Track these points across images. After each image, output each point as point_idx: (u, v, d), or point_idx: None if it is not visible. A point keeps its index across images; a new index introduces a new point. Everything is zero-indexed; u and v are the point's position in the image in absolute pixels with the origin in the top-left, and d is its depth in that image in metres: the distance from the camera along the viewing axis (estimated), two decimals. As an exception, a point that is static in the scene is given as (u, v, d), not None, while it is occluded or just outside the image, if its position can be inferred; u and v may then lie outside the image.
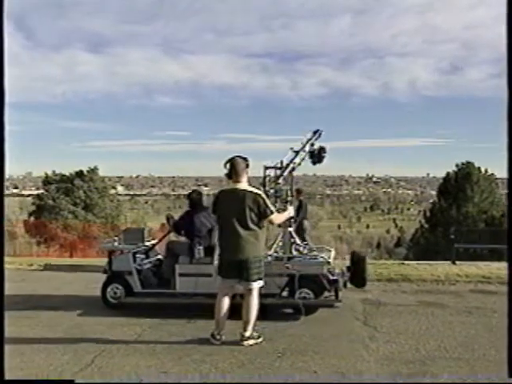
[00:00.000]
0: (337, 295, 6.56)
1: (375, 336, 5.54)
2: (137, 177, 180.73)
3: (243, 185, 5.27)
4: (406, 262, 11.94)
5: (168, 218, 7.26)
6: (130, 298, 6.85)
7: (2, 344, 2.92)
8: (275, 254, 6.74)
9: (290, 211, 5.98)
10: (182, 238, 7.07)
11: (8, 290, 7.95)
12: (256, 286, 5.26)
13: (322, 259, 6.54)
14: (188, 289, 6.60)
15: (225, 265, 5.28)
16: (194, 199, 7.11)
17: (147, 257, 7.14)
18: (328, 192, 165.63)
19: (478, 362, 4.68)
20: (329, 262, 6.49)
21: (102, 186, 31.77)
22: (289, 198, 6.55)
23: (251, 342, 5.21)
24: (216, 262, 6.30)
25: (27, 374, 4.49)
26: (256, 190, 5.35)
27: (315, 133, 6.89)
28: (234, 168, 5.25)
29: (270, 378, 4.35)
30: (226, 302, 5.32)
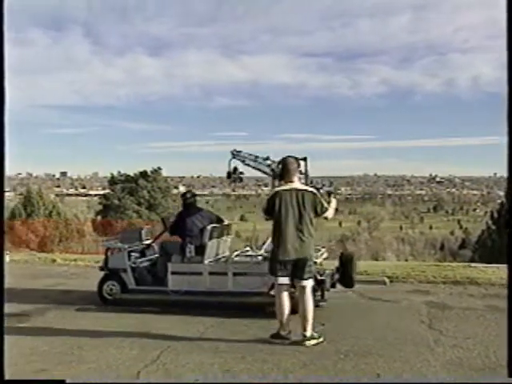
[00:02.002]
0: (322, 295, 6.52)
1: (441, 340, 5.37)
2: (198, 177, 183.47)
3: (297, 184, 5.34)
4: (473, 264, 11.52)
5: (163, 220, 7.63)
6: (125, 295, 7.10)
7: (2, 344, 2.95)
8: (264, 254, 6.80)
9: (334, 203, 5.88)
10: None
11: (75, 286, 8.30)
12: (310, 283, 5.32)
13: None
14: (180, 286, 6.79)
15: (282, 264, 5.25)
16: (188, 200, 7.40)
17: (143, 255, 7.45)
18: (389, 192, 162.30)
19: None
20: (315, 263, 6.31)
21: (165, 185, 32.47)
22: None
23: (313, 342, 5.18)
24: (207, 261, 6.80)
25: (97, 366, 4.66)
26: (311, 189, 5.42)
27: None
28: (286, 168, 5.33)
29: (269, 377, 4.34)
30: (287, 301, 5.30)
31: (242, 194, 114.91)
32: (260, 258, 6.81)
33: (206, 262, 6.82)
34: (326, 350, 5.02)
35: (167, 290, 6.86)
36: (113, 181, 31.88)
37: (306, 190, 5.34)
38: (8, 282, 8.74)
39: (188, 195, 7.51)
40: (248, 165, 7.72)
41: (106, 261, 7.37)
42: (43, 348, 5.19)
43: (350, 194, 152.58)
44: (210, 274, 6.79)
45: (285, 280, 5.28)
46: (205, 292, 6.76)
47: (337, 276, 6.76)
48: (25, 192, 32.63)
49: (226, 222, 7.83)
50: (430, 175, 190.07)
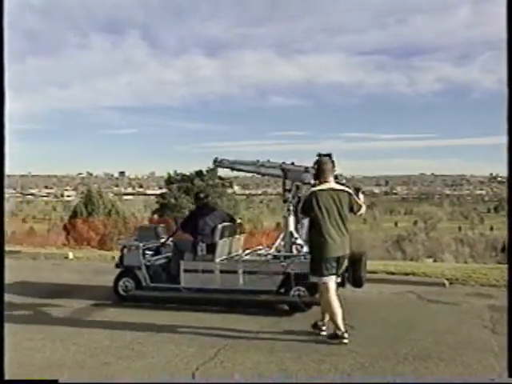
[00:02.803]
0: None
1: (505, 345, 5.16)
2: (252, 176, 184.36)
3: (333, 184, 5.45)
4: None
5: (175, 219, 7.56)
6: (139, 292, 7.24)
7: (2, 344, 2.97)
8: (274, 253, 7.05)
9: (363, 198, 5.84)
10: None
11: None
12: (339, 279, 5.58)
13: None
14: (192, 284, 6.97)
15: (329, 262, 5.29)
16: (201, 200, 7.62)
17: (159, 253, 7.57)
18: (447, 192, 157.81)
19: None
20: None
21: (221, 185, 32.71)
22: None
23: (346, 335, 5.23)
24: (218, 260, 6.96)
25: (157, 361, 4.76)
26: (347, 189, 5.53)
27: None
28: (321, 168, 5.43)
29: (270, 378, 4.29)
30: (337, 299, 5.33)
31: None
32: (269, 256, 6.99)
33: (216, 260, 6.97)
34: (384, 352, 4.93)
35: (180, 287, 7.03)
36: (169, 180, 32.40)
37: (342, 189, 5.45)
38: (72, 279, 9.13)
39: (201, 195, 7.74)
40: (241, 170, 8.23)
41: (122, 258, 7.55)
42: (105, 342, 5.35)
43: (406, 194, 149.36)
44: (221, 272, 6.94)
45: (333, 278, 5.34)
46: (216, 290, 6.92)
47: (346, 275, 6.64)
48: (85, 191, 33.76)
49: (239, 221, 8.02)
50: (491, 174, 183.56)
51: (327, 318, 5.49)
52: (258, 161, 7.77)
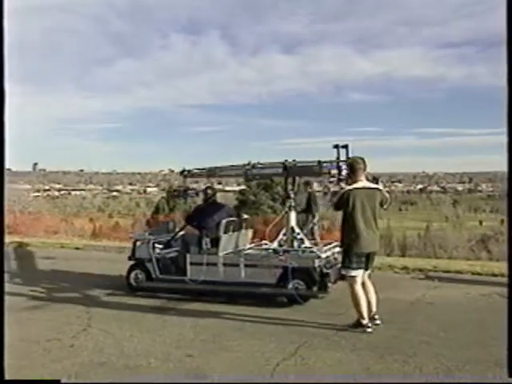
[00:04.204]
0: (325, 287, 6.81)
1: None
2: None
3: (366, 182, 5.74)
4: None
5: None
6: (149, 283, 7.64)
7: (2, 344, 3.00)
8: (274, 247, 7.33)
9: (381, 187, 6.02)
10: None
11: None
12: (369, 272, 5.87)
13: (313, 254, 6.95)
14: (197, 276, 7.24)
15: (360, 256, 5.63)
16: (208, 195, 7.93)
17: (170, 247, 7.91)
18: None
19: None
20: (319, 257, 6.83)
21: (299, 181, 32.61)
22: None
23: (370, 324, 5.59)
24: (221, 253, 7.24)
25: (239, 355, 4.83)
26: (378, 186, 5.86)
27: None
28: (353, 168, 5.74)
29: (269, 378, 4.22)
30: (362, 291, 5.68)
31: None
32: (270, 251, 7.27)
33: (220, 253, 7.24)
34: (474, 356, 4.72)
35: (186, 279, 7.34)
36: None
37: (375, 187, 5.79)
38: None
39: (209, 191, 8.01)
40: (222, 175, 8.59)
41: (134, 251, 7.94)
42: (190, 336, 5.51)
43: (491, 191, 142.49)
44: (224, 265, 7.23)
45: (360, 272, 5.66)
46: (220, 282, 7.22)
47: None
48: (167, 187, 34.80)
49: (245, 217, 8.37)
50: None
51: (374, 307, 5.76)
52: (248, 163, 7.87)
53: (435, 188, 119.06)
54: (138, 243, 7.98)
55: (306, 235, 8.90)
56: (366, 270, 5.76)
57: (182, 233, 8.03)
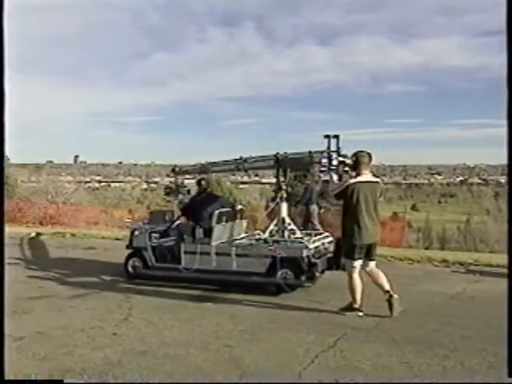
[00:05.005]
0: (312, 277, 6.98)
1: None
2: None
3: (370, 176, 5.98)
4: None
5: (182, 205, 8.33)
6: (146, 271, 7.99)
7: (2, 344, 3.00)
8: (265, 237, 7.59)
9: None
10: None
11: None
12: (374, 264, 6.08)
13: (301, 244, 7.11)
14: (191, 265, 7.53)
15: (361, 247, 5.87)
16: (201, 187, 8.25)
17: (167, 236, 8.19)
18: None
19: None
20: (307, 247, 6.99)
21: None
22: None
23: (362, 309, 5.95)
24: (214, 243, 7.46)
25: (277, 347, 4.84)
26: (378, 179, 6.17)
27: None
28: (358, 161, 5.93)
29: (269, 378, 4.14)
30: (360, 280, 5.96)
31: (414, 183, 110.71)
32: (261, 241, 7.52)
33: (213, 243, 7.48)
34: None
35: (180, 267, 7.64)
36: (284, 169, 32.68)
37: (376, 181, 6.08)
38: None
39: (202, 182, 8.32)
40: (215, 171, 9.03)
41: (131, 240, 8.32)
42: (229, 326, 5.55)
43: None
44: (217, 254, 7.47)
45: (360, 262, 5.93)
46: (212, 270, 7.49)
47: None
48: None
49: (240, 207, 8.62)
50: None
51: (388, 288, 5.94)
52: (240, 157, 8.15)
53: (476, 180, 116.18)
54: (136, 232, 8.33)
55: (314, 226, 9.65)
56: (372, 260, 6.03)
57: (178, 222, 8.33)
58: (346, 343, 4.93)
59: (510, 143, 2.90)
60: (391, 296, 5.85)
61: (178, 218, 8.40)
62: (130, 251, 8.31)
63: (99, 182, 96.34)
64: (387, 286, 5.94)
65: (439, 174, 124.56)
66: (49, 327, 5.47)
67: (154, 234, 8.18)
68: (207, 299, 6.79)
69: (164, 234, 8.24)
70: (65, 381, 3.95)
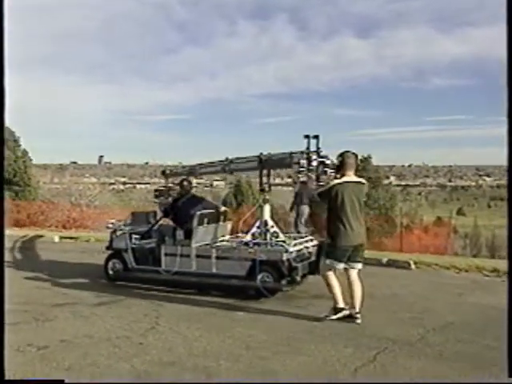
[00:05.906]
0: (292, 281, 7.21)
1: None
2: (409, 166, 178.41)
3: (354, 177, 6.11)
4: None
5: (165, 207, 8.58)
6: (125, 273, 8.29)
7: (2, 344, 3.04)
8: (245, 240, 7.65)
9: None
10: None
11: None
12: (360, 267, 6.19)
13: (282, 247, 7.18)
14: (171, 267, 7.80)
15: (343, 249, 6.00)
16: (184, 188, 8.49)
17: (150, 237, 8.41)
18: None
19: None
20: (288, 250, 7.08)
21: (376, 175, 32.18)
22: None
23: (347, 307, 6.09)
24: (194, 245, 7.66)
25: (314, 360, 4.80)
26: (363, 180, 6.32)
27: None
28: (344, 161, 6.06)
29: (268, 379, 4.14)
30: (337, 281, 6.12)
31: (460, 186, 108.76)
32: (242, 243, 7.59)
33: (193, 245, 7.68)
34: None
35: (160, 269, 7.90)
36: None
37: (361, 181, 6.22)
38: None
39: (185, 183, 8.54)
40: (202, 173, 9.19)
41: (111, 241, 8.58)
42: (262, 337, 5.54)
43: None
44: (197, 256, 7.70)
45: (342, 266, 6.06)
46: (192, 273, 7.73)
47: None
48: (235, 181, 35.23)
49: (223, 209, 8.82)
50: None
51: (357, 305, 6.08)
52: (226, 159, 8.34)
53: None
54: (117, 233, 8.56)
55: (298, 228, 10.09)
56: (357, 262, 6.15)
57: (160, 223, 8.55)
58: (388, 357, 4.87)
59: (510, 143, 2.85)
60: (354, 317, 6.02)
61: (160, 219, 8.62)
62: (110, 252, 8.59)
63: (124, 183, 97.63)
64: (358, 303, 6.08)
65: (488, 175, 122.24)
66: (73, 336, 5.55)
67: (134, 236, 8.39)
68: (237, 308, 6.80)
69: (145, 236, 8.46)
70: (66, 381, 4.03)
